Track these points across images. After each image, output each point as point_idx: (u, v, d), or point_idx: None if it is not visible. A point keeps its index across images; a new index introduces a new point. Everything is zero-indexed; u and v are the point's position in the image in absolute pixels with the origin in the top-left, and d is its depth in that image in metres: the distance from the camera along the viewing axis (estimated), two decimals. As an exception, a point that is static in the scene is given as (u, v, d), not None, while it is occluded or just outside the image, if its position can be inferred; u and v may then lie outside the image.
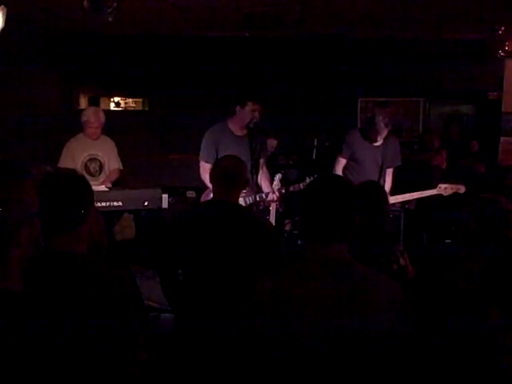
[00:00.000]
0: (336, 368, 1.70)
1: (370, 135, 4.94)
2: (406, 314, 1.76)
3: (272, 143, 6.44)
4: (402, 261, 2.66)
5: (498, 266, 2.09)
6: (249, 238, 2.71)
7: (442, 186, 4.63)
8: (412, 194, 4.98)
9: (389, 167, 5.09)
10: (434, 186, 4.98)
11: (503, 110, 7.11)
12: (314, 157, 7.72)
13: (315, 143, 7.74)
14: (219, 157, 4.22)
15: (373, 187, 2.98)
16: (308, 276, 1.78)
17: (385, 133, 4.87)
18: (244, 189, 3.05)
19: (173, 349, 2.84)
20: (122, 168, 5.40)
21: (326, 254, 1.80)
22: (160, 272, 2.89)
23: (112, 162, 5.32)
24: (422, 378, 1.87)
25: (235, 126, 4.39)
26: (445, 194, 4.62)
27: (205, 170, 4.32)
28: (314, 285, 1.75)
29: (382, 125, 4.80)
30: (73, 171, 2.02)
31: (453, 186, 4.78)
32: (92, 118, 5.12)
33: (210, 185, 4.31)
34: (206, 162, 4.33)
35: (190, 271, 2.78)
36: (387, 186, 5.09)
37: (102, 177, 5.25)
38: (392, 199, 4.79)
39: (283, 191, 4.50)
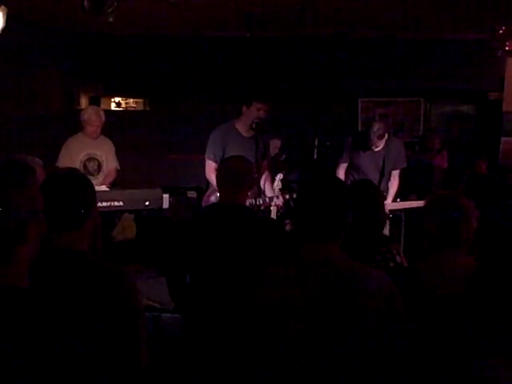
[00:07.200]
0: (327, 365, 1.71)
1: (366, 144, 5.00)
2: (398, 310, 1.76)
3: (276, 144, 6.43)
4: (398, 258, 2.66)
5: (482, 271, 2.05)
6: (256, 240, 2.69)
7: None
8: (411, 202, 4.89)
9: (393, 169, 5.10)
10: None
11: (504, 109, 7.10)
12: (315, 157, 7.72)
13: (316, 143, 7.74)
14: (226, 156, 4.21)
15: (366, 186, 2.99)
16: (299, 274, 1.78)
17: (379, 143, 4.94)
18: (251, 189, 3.00)
19: (180, 351, 2.82)
20: (119, 168, 5.41)
21: (319, 253, 1.80)
22: (168, 277, 2.86)
23: (110, 162, 5.34)
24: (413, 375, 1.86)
25: (242, 127, 4.37)
26: None
27: (210, 168, 4.29)
28: (304, 283, 1.75)
29: (375, 138, 4.89)
30: (74, 170, 2.02)
31: None
32: (93, 116, 5.15)
33: (215, 183, 4.33)
34: (213, 160, 4.30)
35: (198, 275, 2.76)
36: (393, 189, 5.09)
37: (101, 176, 5.26)
38: (391, 205, 4.79)
39: (287, 196, 4.36)
